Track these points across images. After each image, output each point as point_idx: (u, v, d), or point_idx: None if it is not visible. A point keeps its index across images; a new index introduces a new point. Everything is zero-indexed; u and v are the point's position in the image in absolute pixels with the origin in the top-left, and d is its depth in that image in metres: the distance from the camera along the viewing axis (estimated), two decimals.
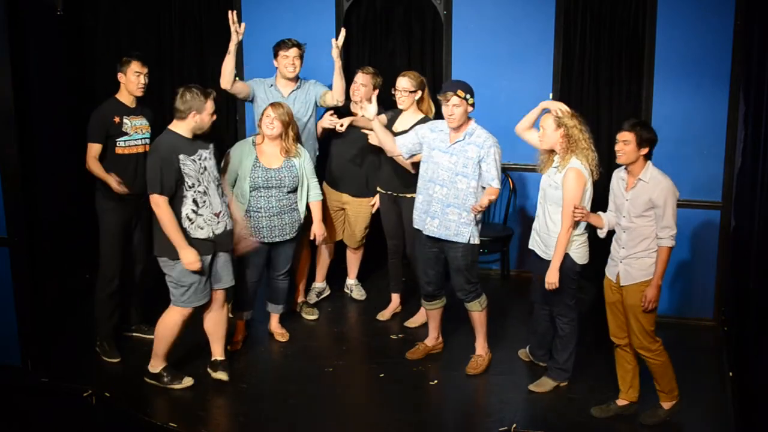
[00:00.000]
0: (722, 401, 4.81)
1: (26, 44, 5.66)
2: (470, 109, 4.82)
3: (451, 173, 4.86)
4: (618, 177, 4.50)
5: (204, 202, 4.69)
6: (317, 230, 5.34)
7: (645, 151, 4.32)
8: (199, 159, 4.70)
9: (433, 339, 5.35)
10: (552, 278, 4.60)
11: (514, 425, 4.49)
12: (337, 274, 6.22)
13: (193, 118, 4.67)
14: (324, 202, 5.50)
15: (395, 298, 5.95)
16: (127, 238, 5.40)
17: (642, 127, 4.33)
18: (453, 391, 4.96)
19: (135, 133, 5.30)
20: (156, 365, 4.93)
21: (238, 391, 4.91)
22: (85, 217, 5.47)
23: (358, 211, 5.77)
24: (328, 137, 5.84)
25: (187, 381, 4.92)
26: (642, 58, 5.72)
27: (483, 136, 4.84)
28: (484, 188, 4.85)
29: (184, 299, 4.73)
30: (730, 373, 4.97)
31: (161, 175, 4.56)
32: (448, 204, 4.87)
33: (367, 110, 5.17)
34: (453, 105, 4.74)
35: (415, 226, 5.08)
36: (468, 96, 4.77)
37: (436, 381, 5.02)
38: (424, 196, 4.97)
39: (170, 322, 4.79)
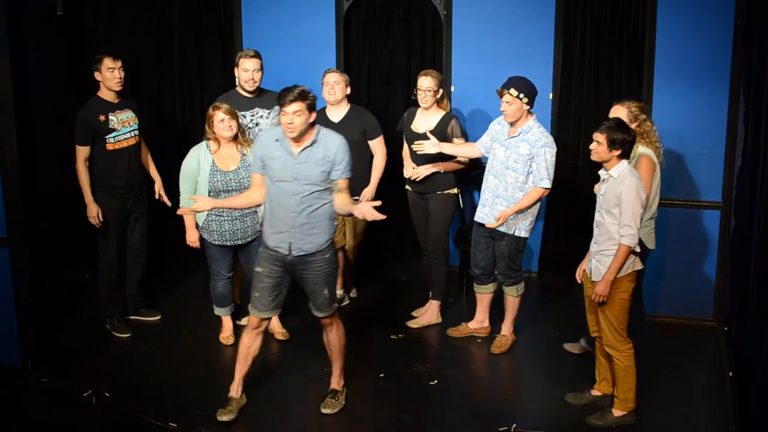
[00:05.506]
0: (722, 401, 4.80)
1: (26, 44, 5.67)
2: (526, 107, 4.94)
3: (503, 166, 5.04)
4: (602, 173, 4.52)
5: None
6: None
7: (618, 152, 4.29)
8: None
9: (477, 322, 5.52)
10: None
11: (514, 425, 4.49)
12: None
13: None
14: None
15: (433, 305, 5.81)
16: (123, 233, 5.50)
17: (615, 130, 4.28)
18: (453, 391, 4.96)
19: (123, 128, 5.37)
20: None
21: None
22: (85, 216, 5.49)
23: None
24: None
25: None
26: (642, 58, 5.72)
27: (537, 134, 4.97)
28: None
29: None
30: (730, 373, 4.97)
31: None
32: (498, 195, 5.07)
33: (428, 148, 5.28)
34: (506, 102, 4.93)
35: (475, 217, 5.26)
36: (521, 95, 4.90)
37: (436, 381, 5.02)
38: (484, 187, 5.18)
39: None
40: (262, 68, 5.52)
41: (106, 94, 5.37)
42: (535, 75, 6.04)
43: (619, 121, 4.36)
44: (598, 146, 4.34)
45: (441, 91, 5.47)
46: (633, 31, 5.85)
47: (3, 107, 4.79)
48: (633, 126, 4.70)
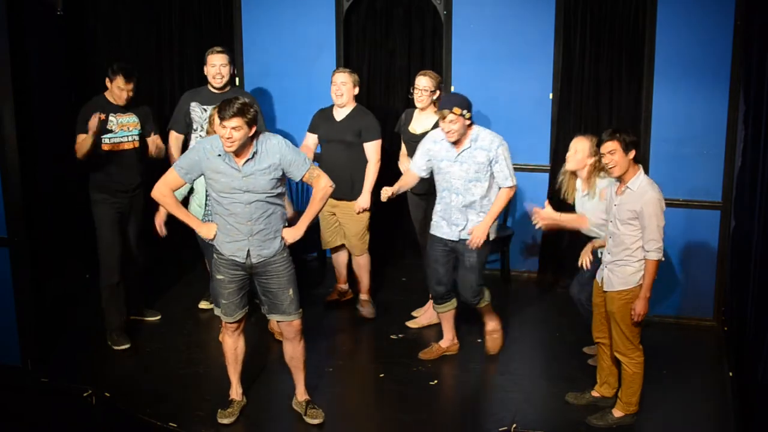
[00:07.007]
0: (722, 401, 4.81)
1: (26, 44, 5.67)
2: (467, 122, 4.83)
3: (464, 181, 4.91)
4: (613, 182, 4.49)
5: None
6: None
7: (633, 154, 4.26)
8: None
9: (447, 341, 5.35)
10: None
11: (514, 425, 4.49)
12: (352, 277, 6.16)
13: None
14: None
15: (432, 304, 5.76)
16: (121, 231, 5.48)
17: (621, 132, 4.26)
18: (453, 391, 4.96)
19: (121, 131, 5.35)
20: None
21: None
22: (85, 216, 5.49)
23: (348, 214, 5.70)
24: None
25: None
26: (642, 58, 5.72)
27: (488, 138, 4.89)
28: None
29: None
30: (730, 373, 4.97)
31: None
32: (470, 208, 4.94)
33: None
34: (449, 122, 4.77)
35: (432, 231, 5.10)
36: (465, 111, 4.78)
37: (436, 381, 5.02)
38: (443, 205, 5.02)
39: None
40: (230, 63, 5.60)
41: (112, 97, 5.37)
42: (535, 75, 6.09)
43: (616, 127, 4.35)
44: (613, 155, 4.25)
45: (438, 92, 5.42)
46: (633, 31, 5.85)
47: (3, 107, 4.79)
48: (593, 160, 4.76)
